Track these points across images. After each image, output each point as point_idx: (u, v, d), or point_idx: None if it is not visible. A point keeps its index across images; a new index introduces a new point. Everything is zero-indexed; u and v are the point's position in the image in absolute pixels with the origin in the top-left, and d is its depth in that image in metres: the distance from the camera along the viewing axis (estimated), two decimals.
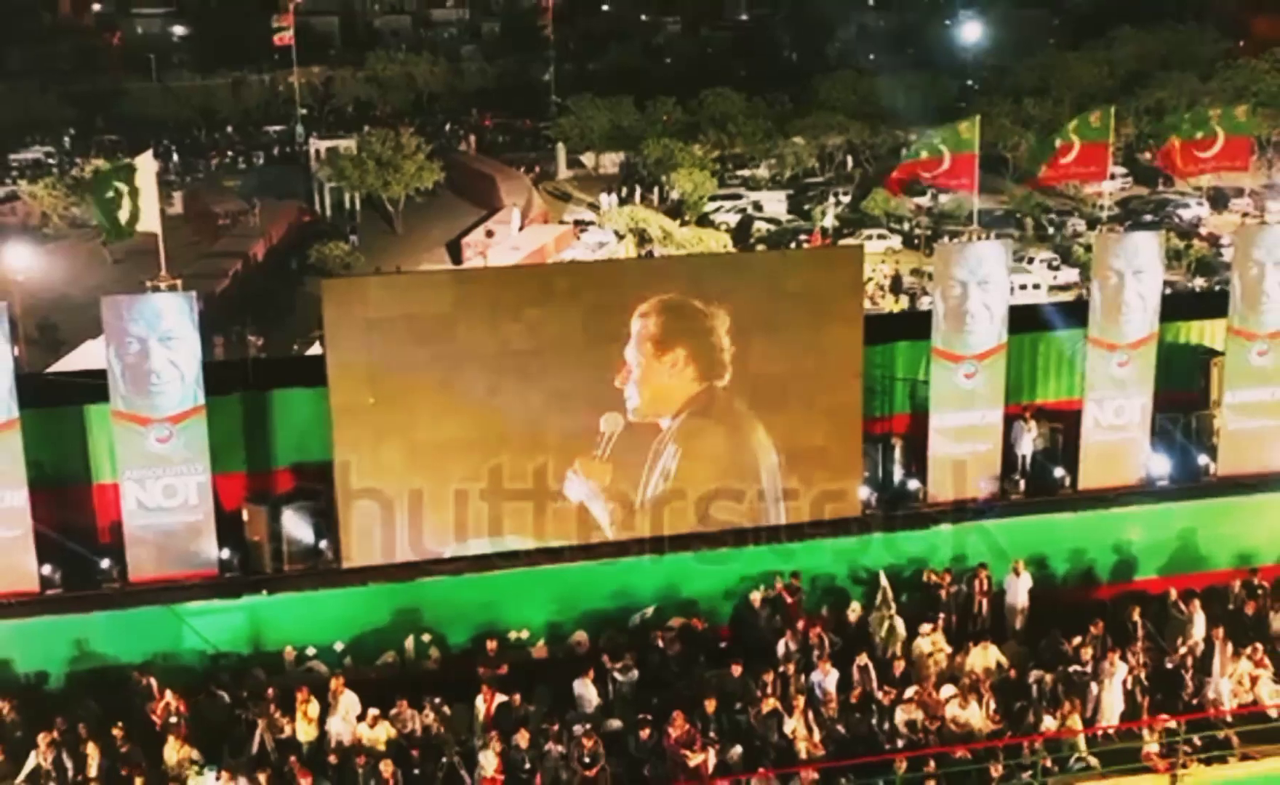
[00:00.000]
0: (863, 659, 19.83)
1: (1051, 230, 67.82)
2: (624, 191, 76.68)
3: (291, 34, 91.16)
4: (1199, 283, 56.33)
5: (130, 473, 19.84)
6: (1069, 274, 58.74)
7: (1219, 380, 23.88)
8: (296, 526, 20.50)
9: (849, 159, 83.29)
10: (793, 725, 18.52)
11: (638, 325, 20.88)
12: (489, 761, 17.82)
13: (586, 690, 19.30)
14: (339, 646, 20.13)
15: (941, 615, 20.70)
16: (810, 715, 18.71)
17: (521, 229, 66.93)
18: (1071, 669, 19.84)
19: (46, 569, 19.88)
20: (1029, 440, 23.30)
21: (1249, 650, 20.32)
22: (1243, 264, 23.42)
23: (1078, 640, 20.23)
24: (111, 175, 20.50)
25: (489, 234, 65.03)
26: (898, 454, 23.01)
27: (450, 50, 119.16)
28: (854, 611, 21.22)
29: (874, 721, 19.02)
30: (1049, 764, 18.79)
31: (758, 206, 73.04)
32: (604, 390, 20.90)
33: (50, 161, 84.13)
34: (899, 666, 19.88)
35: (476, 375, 20.46)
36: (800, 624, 20.33)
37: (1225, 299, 23.79)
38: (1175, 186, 74.70)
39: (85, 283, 51.91)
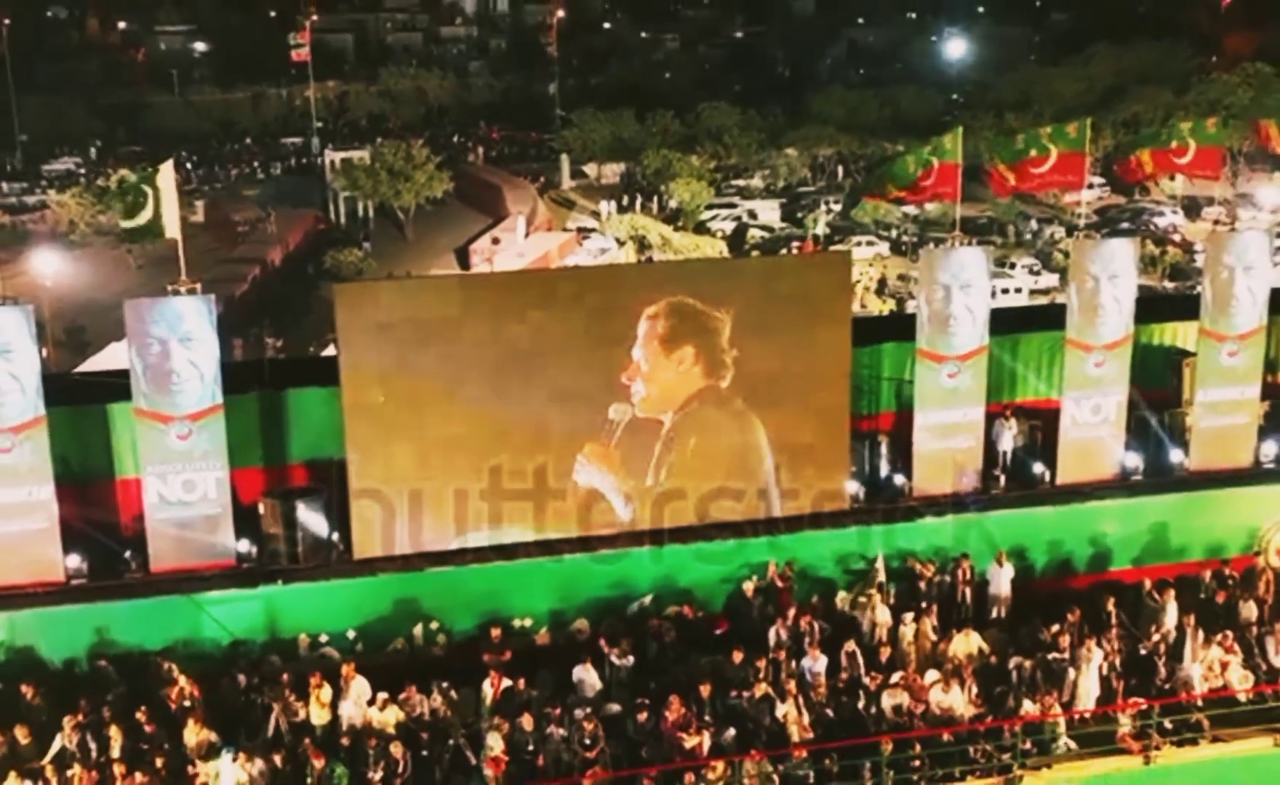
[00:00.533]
0: (850, 645, 19.85)
1: (1029, 236, 67.80)
2: (624, 200, 76.61)
3: (308, 50, 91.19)
4: (1170, 285, 56.28)
5: (152, 468, 19.83)
6: (1049, 279, 58.66)
7: (1191, 379, 23.84)
8: (310, 519, 20.46)
9: (839, 169, 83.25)
10: (784, 709, 18.51)
11: (645, 326, 20.86)
12: (494, 743, 17.82)
13: (587, 675, 19.28)
14: (350, 634, 20.11)
15: (925, 604, 20.68)
16: (801, 699, 18.71)
17: (527, 236, 66.85)
18: (1050, 655, 19.85)
19: (72, 560, 19.88)
20: (1009, 437, 23.27)
21: (1219, 637, 20.33)
22: (1214, 269, 23.38)
23: (1056, 628, 20.24)
24: (135, 184, 20.52)
25: (495, 241, 64.92)
26: (884, 450, 22.99)
27: (459, 66, 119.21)
28: (842, 600, 21.22)
29: (861, 705, 19.02)
30: (1028, 746, 18.78)
31: (752, 214, 72.92)
32: (605, 389, 20.85)
33: (81, 171, 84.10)
34: (885, 653, 19.89)
35: (482, 375, 20.44)
36: (791, 612, 20.31)
37: (1197, 302, 23.76)
38: (1151, 196, 74.69)
39: (110, 287, 51.85)
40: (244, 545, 20.41)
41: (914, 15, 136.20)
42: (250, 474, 21.06)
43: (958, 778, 18.45)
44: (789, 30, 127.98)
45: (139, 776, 16.86)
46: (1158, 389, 24.17)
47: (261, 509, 20.61)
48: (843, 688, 19.41)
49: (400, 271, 57.04)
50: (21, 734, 17.58)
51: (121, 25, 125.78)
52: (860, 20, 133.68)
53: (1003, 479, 23.09)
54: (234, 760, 17.16)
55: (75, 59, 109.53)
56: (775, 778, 17.90)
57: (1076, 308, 22.75)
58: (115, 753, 17.34)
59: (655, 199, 76.45)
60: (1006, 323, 24.12)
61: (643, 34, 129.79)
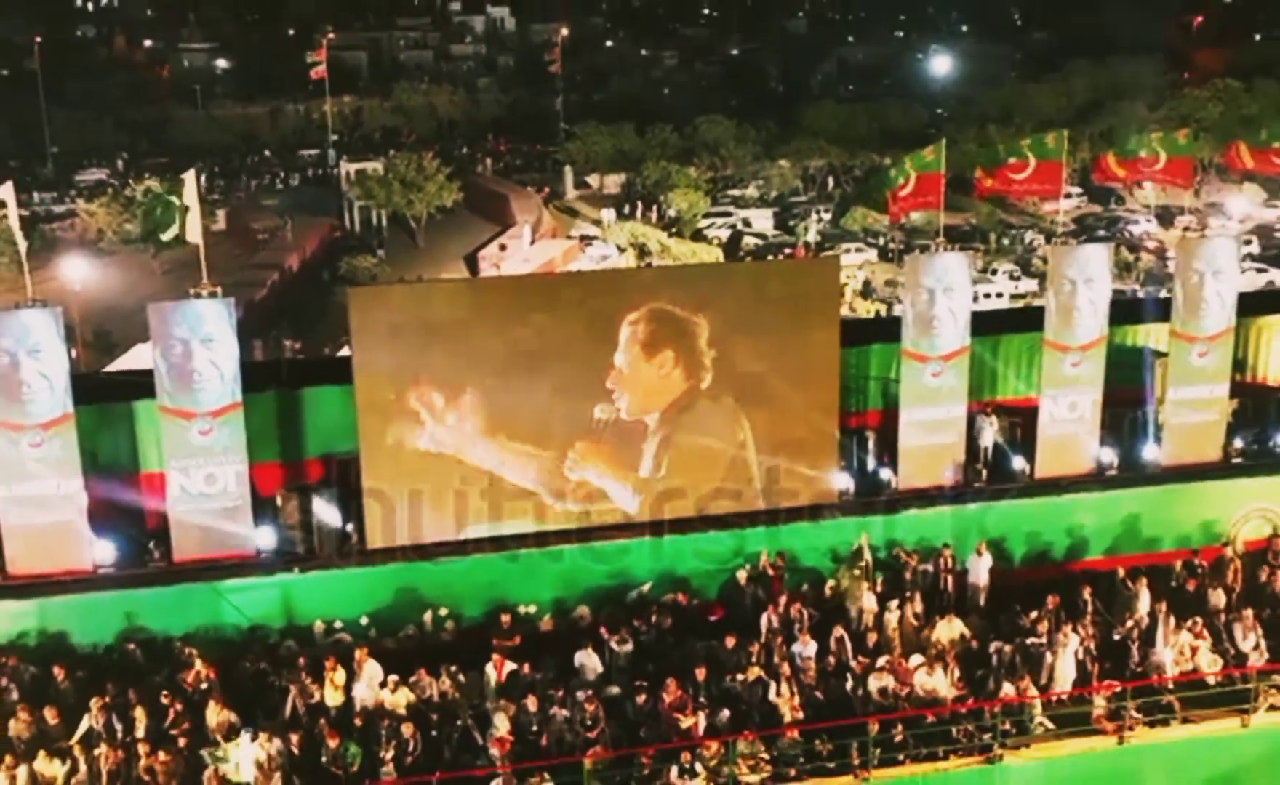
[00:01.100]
0: (839, 631, 19.86)
1: (1008, 242, 67.79)
2: (625, 209, 76.58)
3: (324, 67, 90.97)
4: (1142, 289, 56.26)
5: (175, 462, 19.84)
6: (1029, 284, 58.67)
7: (1163, 378, 23.84)
8: (325, 511, 20.46)
9: (830, 180, 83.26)
10: (776, 692, 18.52)
11: (626, 332, 20.86)
12: (500, 724, 17.85)
13: (589, 659, 19.30)
14: (363, 620, 20.14)
15: (909, 592, 20.70)
16: (792, 682, 18.71)
17: (532, 243, 66.84)
18: (1029, 640, 19.87)
19: (99, 550, 19.87)
20: (990, 433, 23.27)
21: (1189, 623, 20.34)
22: (1185, 273, 23.35)
23: (1034, 614, 20.26)
24: (161, 194, 20.58)
25: (502, 248, 64.99)
26: (871, 446, 22.98)
27: (469, 82, 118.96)
28: (830, 587, 21.23)
29: (849, 687, 19.04)
30: (1008, 727, 18.79)
31: (747, 223, 72.97)
32: (604, 389, 20.86)
33: (109, 182, 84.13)
34: (872, 638, 19.90)
35: (489, 374, 20.45)
36: (782, 600, 20.35)
37: (1169, 305, 23.76)
38: (1126, 205, 74.71)
39: (136, 292, 51.83)
40: (262, 536, 20.40)
41: (901, 34, 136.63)
42: (268, 468, 21.06)
43: (941, 757, 18.46)
44: (782, 48, 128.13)
45: (162, 755, 16.88)
46: (1131, 387, 24.14)
47: (279, 501, 20.61)
48: (831, 671, 19.42)
49: (412, 277, 57.04)
50: (50, 714, 17.61)
51: (147, 43, 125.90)
52: (850, 38, 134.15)
53: (984, 473, 23.08)
54: (253, 740, 17.18)
55: (103, 75, 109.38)
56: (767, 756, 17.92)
57: (1054, 310, 22.74)
58: (140, 733, 17.36)
59: (655, 208, 76.45)
60: (988, 325, 24.11)
61: (643, 52, 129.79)
